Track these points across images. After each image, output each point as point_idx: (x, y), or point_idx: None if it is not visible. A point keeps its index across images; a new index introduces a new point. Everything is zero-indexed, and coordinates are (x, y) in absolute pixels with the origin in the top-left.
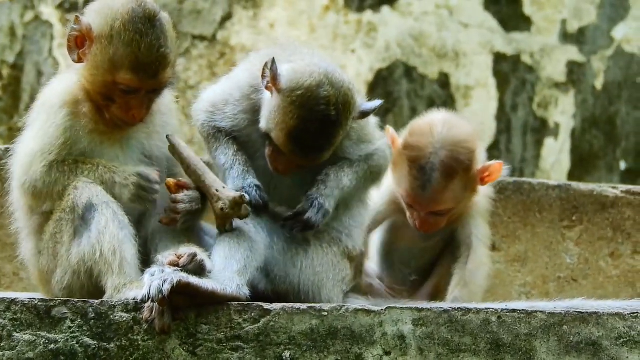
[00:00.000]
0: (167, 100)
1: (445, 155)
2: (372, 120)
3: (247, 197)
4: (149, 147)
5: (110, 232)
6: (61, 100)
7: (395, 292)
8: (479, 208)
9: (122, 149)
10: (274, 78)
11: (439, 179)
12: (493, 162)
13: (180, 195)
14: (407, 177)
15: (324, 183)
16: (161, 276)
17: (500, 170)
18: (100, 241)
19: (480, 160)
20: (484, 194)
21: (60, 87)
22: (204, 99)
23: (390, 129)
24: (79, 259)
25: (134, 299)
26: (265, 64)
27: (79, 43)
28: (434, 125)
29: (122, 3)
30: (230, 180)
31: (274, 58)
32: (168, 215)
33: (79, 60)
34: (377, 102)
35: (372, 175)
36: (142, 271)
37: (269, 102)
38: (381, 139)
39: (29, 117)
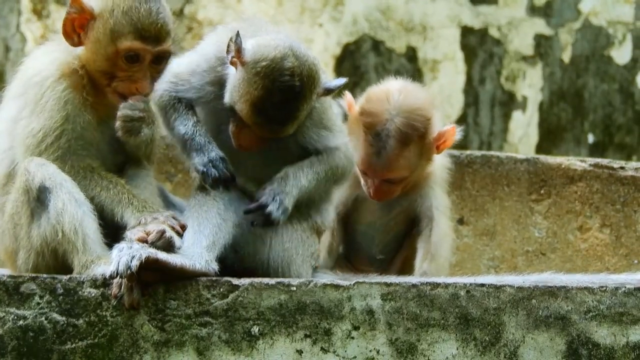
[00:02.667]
0: None
1: (400, 122)
2: (336, 109)
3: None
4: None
5: (69, 211)
6: (58, 72)
7: (363, 272)
8: (437, 178)
9: (101, 133)
10: (239, 51)
11: (394, 146)
12: (446, 127)
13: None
14: (363, 143)
15: (285, 180)
16: (129, 252)
17: (454, 134)
18: (60, 221)
19: (436, 128)
20: (441, 164)
21: (53, 58)
22: (167, 70)
23: (348, 94)
24: (41, 241)
25: (102, 275)
26: (231, 38)
27: (77, 26)
28: (391, 92)
29: None
30: (194, 152)
31: (238, 32)
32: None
33: (79, 44)
34: (341, 80)
35: (335, 177)
36: (111, 246)
37: (234, 76)
38: (342, 132)
39: (12, 89)
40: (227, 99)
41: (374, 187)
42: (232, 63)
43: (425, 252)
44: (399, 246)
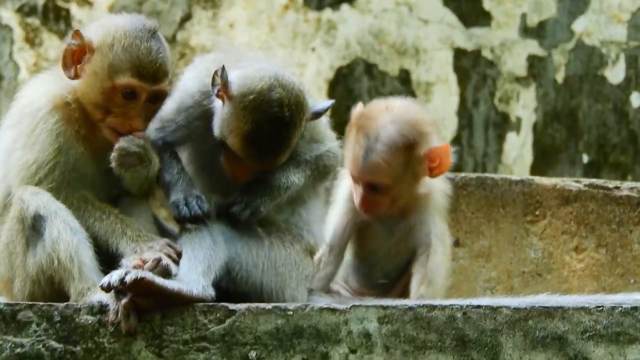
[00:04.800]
0: None
1: (393, 129)
2: (324, 120)
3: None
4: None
5: (64, 240)
6: (50, 104)
7: (364, 296)
8: (437, 204)
9: (96, 164)
10: (225, 85)
11: (381, 150)
12: (439, 144)
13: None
14: (354, 144)
15: (263, 182)
16: (124, 269)
17: (448, 153)
18: (56, 249)
19: (430, 146)
20: (441, 190)
21: (45, 89)
22: (153, 122)
23: (360, 104)
24: (37, 269)
25: (98, 302)
26: (215, 72)
27: (75, 58)
28: (393, 104)
29: (122, 18)
30: (174, 192)
31: (223, 66)
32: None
33: (75, 77)
34: (328, 102)
35: (321, 174)
36: (106, 274)
37: (221, 110)
38: (332, 140)
39: (8, 117)
40: (217, 133)
41: (360, 196)
42: (218, 96)
43: (421, 278)
44: (402, 272)
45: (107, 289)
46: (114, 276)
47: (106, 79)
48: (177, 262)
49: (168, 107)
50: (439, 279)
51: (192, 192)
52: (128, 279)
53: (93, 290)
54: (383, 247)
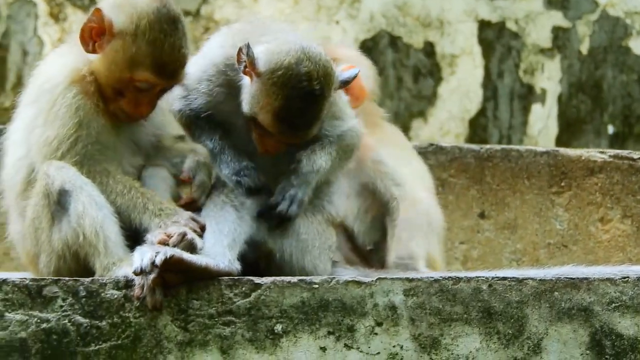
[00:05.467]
0: None
1: None
2: (344, 97)
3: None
4: (138, 134)
5: (89, 214)
6: (67, 78)
7: (351, 263)
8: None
9: (117, 136)
10: (252, 63)
11: None
12: None
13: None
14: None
15: (296, 172)
16: (153, 249)
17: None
18: (81, 224)
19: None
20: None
21: (62, 63)
22: (176, 92)
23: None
24: (63, 244)
25: (124, 277)
26: (240, 50)
27: (94, 35)
28: None
29: (146, 2)
30: (224, 164)
31: (248, 44)
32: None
33: (93, 52)
34: (354, 71)
35: (346, 153)
36: (132, 249)
37: (250, 87)
38: (352, 117)
39: (26, 94)
40: (247, 109)
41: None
42: (245, 73)
43: (394, 240)
44: (383, 233)
45: (140, 273)
46: (145, 260)
47: (125, 69)
48: (201, 236)
49: (192, 75)
50: (417, 231)
51: (245, 163)
52: (158, 260)
53: (118, 264)
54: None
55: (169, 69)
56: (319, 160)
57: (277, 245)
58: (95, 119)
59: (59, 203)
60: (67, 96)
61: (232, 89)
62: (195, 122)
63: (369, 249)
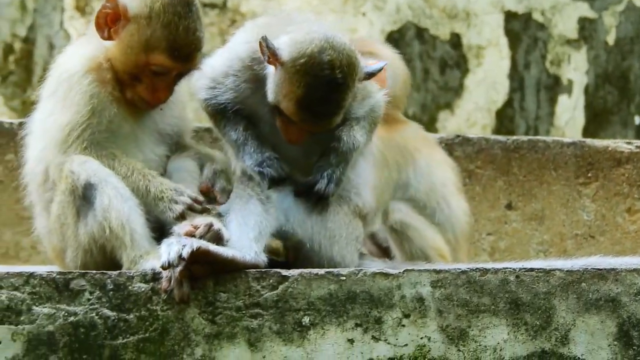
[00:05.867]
0: None
1: None
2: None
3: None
4: (161, 124)
5: (115, 207)
6: (84, 67)
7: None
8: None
9: (138, 124)
10: (274, 54)
11: None
12: None
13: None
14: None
15: (336, 150)
16: (180, 242)
17: None
18: (107, 218)
19: None
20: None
21: (80, 54)
22: (203, 75)
23: None
24: (89, 238)
25: (151, 269)
26: (261, 41)
27: (109, 21)
28: None
29: None
30: (247, 155)
31: (266, 37)
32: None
33: (109, 38)
34: (381, 64)
35: (374, 127)
36: (158, 241)
37: (274, 76)
38: (378, 91)
39: (46, 87)
40: (271, 97)
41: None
42: (269, 62)
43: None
44: None
45: (168, 267)
46: (172, 253)
47: (140, 53)
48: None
49: (218, 70)
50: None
51: (268, 153)
52: (185, 253)
53: (146, 257)
54: None
55: (184, 52)
56: (358, 136)
57: (307, 235)
58: (109, 107)
59: (84, 197)
60: (83, 84)
61: (258, 82)
62: (221, 112)
63: (384, 246)
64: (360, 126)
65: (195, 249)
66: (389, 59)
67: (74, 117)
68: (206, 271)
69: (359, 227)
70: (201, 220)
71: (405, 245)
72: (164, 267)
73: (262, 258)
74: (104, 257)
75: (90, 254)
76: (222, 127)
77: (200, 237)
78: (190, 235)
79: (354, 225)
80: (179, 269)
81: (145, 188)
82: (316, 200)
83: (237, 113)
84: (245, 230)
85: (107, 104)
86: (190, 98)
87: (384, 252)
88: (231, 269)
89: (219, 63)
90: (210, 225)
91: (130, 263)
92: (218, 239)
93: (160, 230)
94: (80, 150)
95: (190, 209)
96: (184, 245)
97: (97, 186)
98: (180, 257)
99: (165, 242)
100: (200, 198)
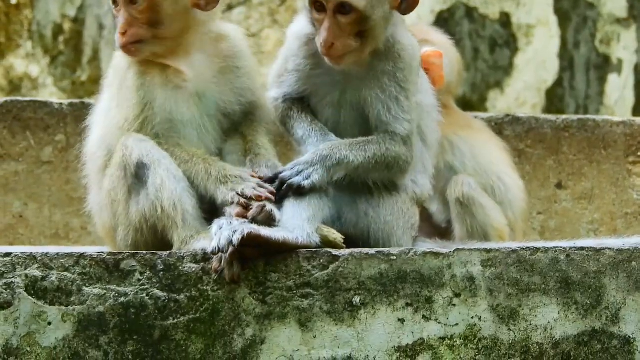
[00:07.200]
0: (236, 41)
1: None
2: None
3: None
4: (223, 102)
5: (168, 188)
6: (128, 60)
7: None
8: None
9: (197, 105)
10: None
11: None
12: None
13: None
14: None
15: (317, 153)
16: (230, 227)
17: None
18: (160, 197)
19: None
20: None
21: None
22: (271, 82)
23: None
24: (140, 217)
25: (202, 250)
26: None
27: None
28: None
29: None
30: (311, 147)
31: None
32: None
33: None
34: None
35: (387, 162)
36: (208, 222)
37: None
38: (412, 117)
39: (107, 76)
40: None
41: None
42: None
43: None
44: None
45: (217, 252)
46: (222, 239)
47: None
48: (271, 201)
49: (280, 62)
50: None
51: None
52: (235, 239)
53: (197, 237)
54: None
55: None
56: (351, 155)
57: (363, 227)
58: (162, 94)
59: (137, 176)
60: (128, 77)
61: (316, 58)
62: (288, 113)
63: (444, 226)
64: (360, 148)
65: (245, 235)
66: (444, 47)
67: (129, 113)
68: (257, 252)
69: (415, 215)
70: (254, 202)
71: (467, 220)
72: (213, 253)
73: (314, 239)
74: (155, 236)
75: (141, 233)
76: (290, 128)
77: (253, 219)
78: (242, 216)
79: (411, 213)
80: (229, 250)
81: (205, 171)
82: (279, 186)
83: (302, 108)
84: (298, 211)
85: (153, 93)
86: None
87: (442, 234)
88: (282, 250)
89: (280, 58)
90: (263, 207)
91: (182, 243)
92: (270, 219)
93: (211, 212)
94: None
95: (248, 196)
96: (235, 231)
97: (150, 166)
98: (230, 243)
99: (217, 224)
100: (268, 187)
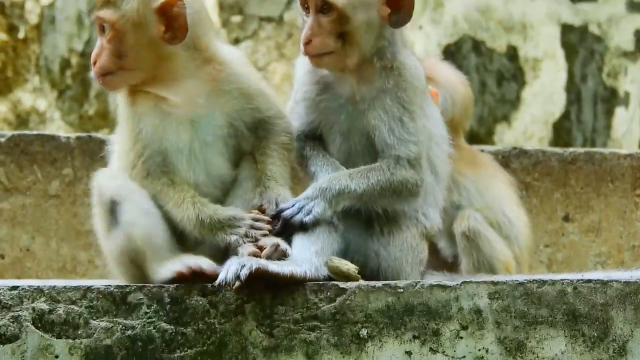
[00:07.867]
0: (230, 63)
1: None
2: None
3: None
4: (220, 127)
5: (138, 224)
6: (123, 92)
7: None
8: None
9: (190, 131)
10: None
11: None
12: None
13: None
14: None
15: (319, 187)
16: (240, 261)
17: None
18: (132, 232)
19: None
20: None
21: None
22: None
23: None
24: (119, 251)
25: (172, 272)
26: None
27: None
28: None
29: None
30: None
31: None
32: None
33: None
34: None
35: (395, 191)
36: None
37: None
38: (419, 140)
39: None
40: None
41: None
42: None
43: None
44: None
45: (224, 286)
46: (229, 273)
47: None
48: (271, 232)
49: (294, 96)
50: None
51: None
52: (243, 274)
53: (167, 264)
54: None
55: None
56: (352, 184)
57: (372, 263)
58: (151, 123)
59: (112, 212)
60: (124, 109)
61: (320, 84)
62: (302, 153)
63: (450, 261)
64: (363, 175)
65: (253, 270)
66: (448, 83)
67: (126, 146)
68: (263, 285)
69: (424, 250)
70: (267, 241)
71: (473, 254)
72: (221, 285)
73: (322, 273)
74: (136, 269)
75: (124, 266)
76: (304, 167)
77: (268, 258)
78: (255, 256)
79: (420, 248)
80: (236, 285)
81: (196, 218)
82: (282, 225)
83: (314, 147)
84: (306, 244)
85: (142, 122)
86: None
87: (449, 268)
88: (290, 284)
89: (295, 89)
90: (277, 246)
91: (154, 274)
92: (283, 256)
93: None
94: (142, 178)
95: (247, 235)
96: (243, 266)
97: (121, 202)
98: (237, 277)
99: (227, 262)
100: (263, 217)
